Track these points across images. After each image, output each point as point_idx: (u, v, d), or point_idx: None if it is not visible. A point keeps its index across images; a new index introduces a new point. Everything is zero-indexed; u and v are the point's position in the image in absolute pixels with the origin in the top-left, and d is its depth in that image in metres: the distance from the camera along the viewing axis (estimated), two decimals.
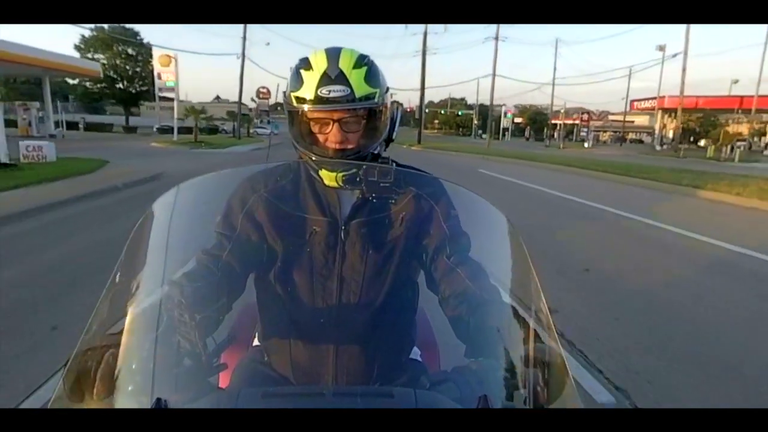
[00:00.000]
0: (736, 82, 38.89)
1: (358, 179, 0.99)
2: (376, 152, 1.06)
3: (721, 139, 30.42)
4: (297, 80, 1.00)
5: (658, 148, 39.19)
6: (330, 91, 0.97)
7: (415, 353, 1.18)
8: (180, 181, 0.90)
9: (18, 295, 3.56)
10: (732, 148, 27.70)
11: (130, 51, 41.16)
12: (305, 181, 1.05)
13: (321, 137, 1.01)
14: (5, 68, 24.10)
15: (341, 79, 0.97)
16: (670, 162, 22.27)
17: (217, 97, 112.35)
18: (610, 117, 61.42)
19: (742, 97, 36.79)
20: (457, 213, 1.03)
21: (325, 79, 0.97)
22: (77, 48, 39.61)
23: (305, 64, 1.00)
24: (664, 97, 40.76)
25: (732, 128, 35.32)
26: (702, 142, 40.25)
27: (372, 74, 1.01)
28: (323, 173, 1.00)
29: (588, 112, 53.95)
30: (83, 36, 39.92)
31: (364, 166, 1.00)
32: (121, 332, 0.74)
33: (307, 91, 0.97)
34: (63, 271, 4.16)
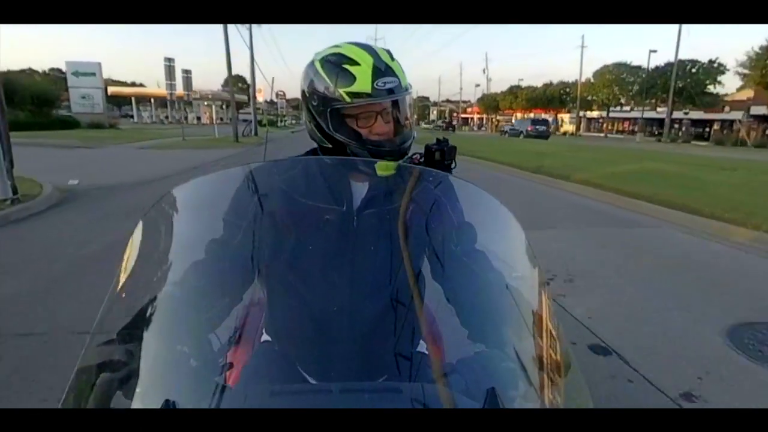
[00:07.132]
0: (477, 85, 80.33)
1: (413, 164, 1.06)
2: (411, 142, 1.11)
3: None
4: (346, 76, 0.99)
5: (476, 129, 78.80)
6: (386, 83, 0.99)
7: (421, 346, 1.12)
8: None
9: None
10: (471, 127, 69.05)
11: (240, 84, 74.97)
12: (318, 173, 1.04)
13: (364, 131, 1.03)
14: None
15: (390, 71, 1.00)
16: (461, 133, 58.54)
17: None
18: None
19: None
20: (463, 206, 1.01)
21: (378, 72, 0.98)
22: (222, 86, 72.32)
23: (346, 60, 1.00)
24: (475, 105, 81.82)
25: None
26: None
27: (401, 66, 1.04)
28: (379, 165, 1.00)
29: (455, 109, 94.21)
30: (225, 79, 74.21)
31: (419, 166, 1.09)
32: (128, 334, 0.74)
33: (363, 85, 0.98)
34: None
